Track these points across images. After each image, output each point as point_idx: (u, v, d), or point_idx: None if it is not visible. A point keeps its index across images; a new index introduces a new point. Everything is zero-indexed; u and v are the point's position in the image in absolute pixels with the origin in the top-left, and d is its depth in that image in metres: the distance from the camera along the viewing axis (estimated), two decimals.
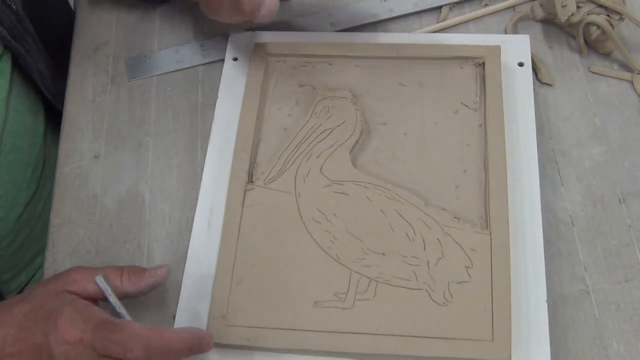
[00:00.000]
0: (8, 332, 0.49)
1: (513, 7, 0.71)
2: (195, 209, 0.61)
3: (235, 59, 0.68)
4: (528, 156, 0.61)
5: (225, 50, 0.69)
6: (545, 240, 0.57)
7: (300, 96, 0.65)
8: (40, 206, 0.73)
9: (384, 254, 0.57)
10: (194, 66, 0.71)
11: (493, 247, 0.56)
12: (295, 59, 0.67)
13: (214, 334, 0.53)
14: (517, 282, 0.55)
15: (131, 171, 0.66)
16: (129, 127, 0.68)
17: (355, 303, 0.55)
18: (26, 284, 0.74)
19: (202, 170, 0.64)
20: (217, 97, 0.67)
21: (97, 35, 0.74)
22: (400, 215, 0.58)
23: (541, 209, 0.58)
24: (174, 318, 0.57)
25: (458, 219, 0.58)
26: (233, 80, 0.67)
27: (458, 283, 0.55)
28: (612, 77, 0.66)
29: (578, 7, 0.66)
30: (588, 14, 0.65)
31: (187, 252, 0.60)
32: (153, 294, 0.58)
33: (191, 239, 0.60)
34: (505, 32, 0.69)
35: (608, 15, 0.65)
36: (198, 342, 0.49)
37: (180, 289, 0.58)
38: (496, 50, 0.64)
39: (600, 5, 0.65)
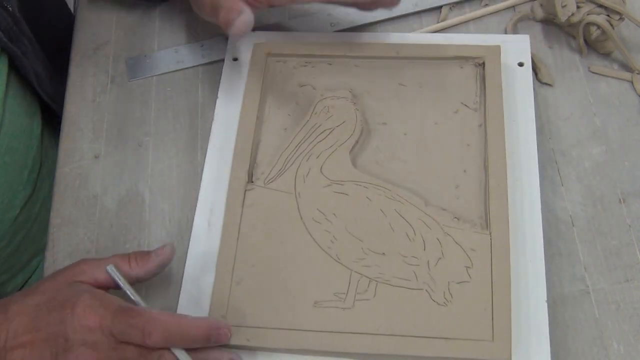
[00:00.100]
0: (21, 322, 0.49)
1: (513, 7, 0.71)
2: (195, 209, 0.62)
3: (235, 59, 0.68)
4: (528, 156, 0.61)
5: (225, 50, 0.69)
6: (545, 240, 0.57)
7: (300, 96, 0.65)
8: (37, 208, 0.73)
9: (384, 254, 0.57)
10: (194, 66, 0.71)
11: (493, 247, 0.56)
12: (295, 59, 0.67)
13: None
14: (517, 282, 0.55)
15: (131, 171, 0.66)
16: (129, 127, 0.68)
17: (355, 303, 0.55)
18: (22, 286, 0.73)
19: (202, 170, 0.64)
20: (217, 97, 0.67)
21: (97, 35, 0.74)
22: (400, 215, 0.58)
23: (541, 209, 0.58)
24: None
25: (458, 219, 0.58)
26: (233, 80, 0.67)
27: (458, 283, 0.55)
28: (612, 77, 0.66)
29: (578, 7, 0.66)
30: (588, 14, 0.65)
31: (187, 252, 0.60)
32: (153, 294, 0.58)
33: (191, 239, 0.60)
34: (505, 32, 0.69)
35: (608, 15, 0.65)
36: (216, 332, 0.50)
37: (180, 289, 0.58)
38: (496, 50, 0.64)
39: (600, 5, 0.65)
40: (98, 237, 0.63)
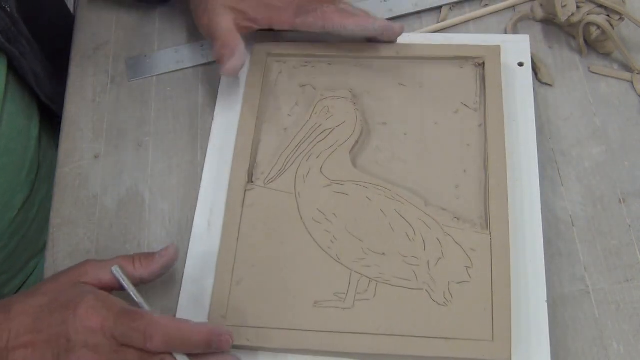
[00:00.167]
0: (23, 322, 0.49)
1: (513, 7, 0.71)
2: (195, 209, 0.61)
3: None
4: (528, 156, 0.61)
5: None
6: (545, 240, 0.57)
7: (300, 96, 0.65)
8: (35, 210, 0.72)
9: (384, 254, 0.57)
10: (194, 66, 0.71)
11: (493, 247, 0.56)
12: (295, 59, 0.67)
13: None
14: (517, 282, 0.55)
15: (131, 171, 0.66)
16: (129, 127, 0.68)
17: (355, 303, 0.55)
18: (20, 287, 0.73)
19: (202, 170, 0.64)
20: (217, 97, 0.67)
21: (97, 35, 0.74)
22: (400, 215, 0.58)
23: (541, 209, 0.58)
24: None
25: (458, 219, 0.58)
26: (233, 80, 0.67)
27: (458, 283, 0.55)
28: (612, 77, 0.66)
29: (578, 7, 0.66)
30: (588, 14, 0.65)
31: (187, 252, 0.60)
32: (153, 294, 0.58)
33: (191, 239, 0.60)
34: (505, 32, 0.69)
35: (608, 15, 0.65)
36: (217, 339, 0.50)
37: (180, 289, 0.58)
38: (496, 50, 0.64)
39: (600, 5, 0.65)
40: (98, 237, 0.63)
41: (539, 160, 0.60)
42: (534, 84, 0.64)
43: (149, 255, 0.55)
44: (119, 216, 0.64)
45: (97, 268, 0.53)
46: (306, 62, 0.67)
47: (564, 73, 0.67)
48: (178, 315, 0.57)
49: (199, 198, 0.62)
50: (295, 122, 0.64)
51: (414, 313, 0.54)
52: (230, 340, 0.51)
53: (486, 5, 0.72)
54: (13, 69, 0.67)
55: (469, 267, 0.55)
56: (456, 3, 0.72)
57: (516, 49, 0.66)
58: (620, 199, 0.60)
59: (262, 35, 0.68)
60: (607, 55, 0.67)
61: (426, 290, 0.55)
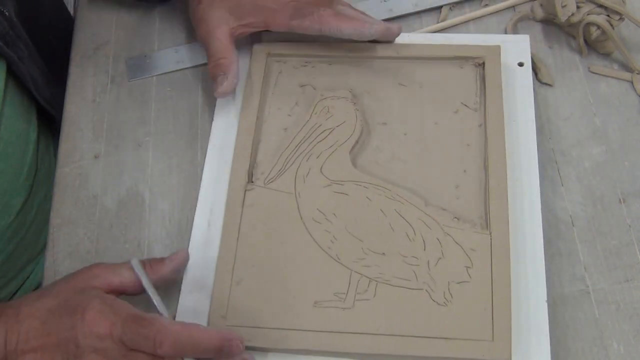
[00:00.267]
0: (31, 325, 0.49)
1: (513, 7, 0.71)
2: (195, 209, 0.61)
3: None
4: (528, 156, 0.61)
5: None
6: (545, 240, 0.57)
7: (300, 96, 0.65)
8: (32, 214, 0.72)
9: (384, 254, 0.57)
10: (194, 66, 0.71)
11: (493, 247, 0.56)
12: (295, 59, 0.67)
13: None
14: (517, 282, 0.55)
15: (131, 171, 0.66)
16: (129, 127, 0.68)
17: (355, 303, 0.55)
18: (15, 292, 0.73)
19: (202, 170, 0.64)
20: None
21: (97, 35, 0.74)
22: (400, 215, 0.58)
23: (541, 209, 0.58)
24: (174, 318, 0.57)
25: (458, 219, 0.58)
26: None
27: (458, 283, 0.55)
28: (612, 77, 0.66)
29: (578, 7, 0.66)
30: (588, 14, 0.65)
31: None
32: None
33: (191, 239, 0.60)
34: (505, 32, 0.69)
35: (608, 15, 0.65)
36: (228, 344, 0.49)
37: (180, 289, 0.58)
38: (496, 50, 0.64)
39: (600, 5, 0.65)
40: (98, 237, 0.63)
41: (539, 160, 0.60)
42: (534, 84, 0.64)
43: (160, 260, 0.55)
44: (119, 216, 0.64)
45: (107, 271, 0.53)
46: (306, 62, 0.67)
47: (564, 73, 0.67)
48: (178, 316, 0.57)
49: (199, 198, 0.62)
50: (295, 122, 0.64)
51: (414, 313, 0.54)
52: (241, 346, 0.50)
53: (486, 5, 0.72)
54: (12, 73, 0.67)
55: (469, 267, 0.55)
56: (456, 3, 0.72)
57: (516, 49, 0.66)
58: (620, 199, 0.60)
59: (262, 35, 0.68)
60: (607, 55, 0.67)
61: (426, 290, 0.55)
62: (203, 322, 0.56)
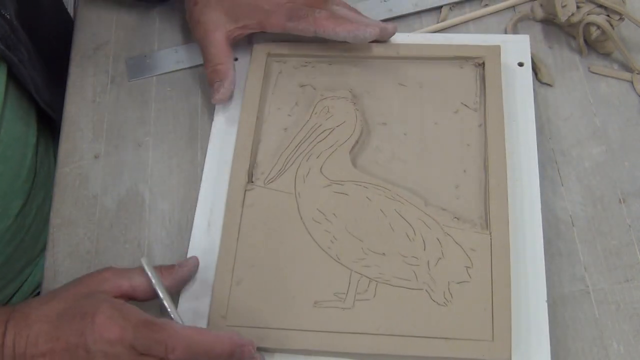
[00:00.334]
0: (41, 329, 0.49)
1: (513, 7, 0.71)
2: (195, 209, 0.61)
3: (235, 59, 0.68)
4: (528, 156, 0.61)
5: None
6: (545, 240, 0.57)
7: (300, 96, 0.65)
8: (31, 217, 0.71)
9: (384, 254, 0.57)
10: (194, 66, 0.71)
11: (493, 247, 0.56)
12: (295, 59, 0.67)
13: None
14: (517, 282, 0.55)
15: (131, 171, 0.66)
16: (129, 127, 0.68)
17: (355, 303, 0.55)
18: (13, 294, 0.73)
19: (202, 170, 0.63)
20: None
21: (97, 35, 0.74)
22: (400, 215, 0.58)
23: (541, 209, 0.58)
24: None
25: (458, 219, 0.58)
26: None
27: (458, 283, 0.55)
28: (612, 77, 0.66)
29: (578, 7, 0.66)
30: (588, 14, 0.65)
31: (187, 252, 0.60)
32: None
33: (191, 239, 0.60)
34: (505, 32, 0.69)
35: (608, 15, 0.65)
36: (240, 349, 0.49)
37: (180, 289, 0.58)
38: (496, 50, 0.64)
39: (600, 5, 0.65)
40: (98, 237, 0.63)
41: (539, 160, 0.60)
42: (534, 84, 0.64)
43: (170, 267, 0.55)
44: (119, 216, 0.64)
45: (117, 275, 0.53)
46: (306, 62, 0.67)
47: (564, 73, 0.67)
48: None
49: (199, 198, 0.62)
50: (295, 122, 0.64)
51: (414, 313, 0.54)
52: (253, 351, 0.50)
53: (486, 5, 0.72)
54: (12, 76, 0.67)
55: (469, 267, 0.55)
56: (456, 3, 0.72)
57: (516, 49, 0.66)
58: (620, 199, 0.60)
59: (262, 35, 0.68)
60: (607, 55, 0.67)
61: (426, 290, 0.55)
62: (203, 322, 0.56)
